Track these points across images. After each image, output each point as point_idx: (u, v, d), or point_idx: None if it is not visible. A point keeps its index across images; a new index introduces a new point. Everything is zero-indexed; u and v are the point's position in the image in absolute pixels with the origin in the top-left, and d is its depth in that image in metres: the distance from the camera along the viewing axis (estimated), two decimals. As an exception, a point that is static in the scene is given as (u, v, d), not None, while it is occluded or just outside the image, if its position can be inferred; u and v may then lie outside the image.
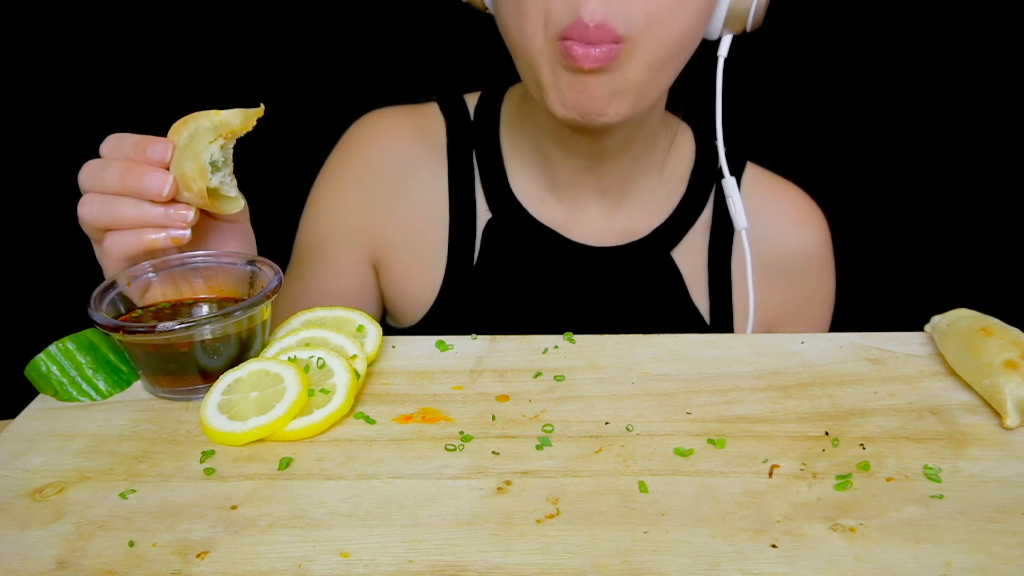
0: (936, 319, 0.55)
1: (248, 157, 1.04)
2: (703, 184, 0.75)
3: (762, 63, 0.94)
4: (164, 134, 0.51)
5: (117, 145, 0.52)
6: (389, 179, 0.75)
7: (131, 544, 0.38)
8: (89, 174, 0.51)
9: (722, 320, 0.74)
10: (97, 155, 0.52)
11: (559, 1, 0.56)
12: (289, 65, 1.00)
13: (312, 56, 1.01)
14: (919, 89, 1.00)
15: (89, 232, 0.53)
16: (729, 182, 0.70)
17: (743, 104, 0.79)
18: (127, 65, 0.99)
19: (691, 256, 0.74)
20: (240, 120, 0.50)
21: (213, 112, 0.51)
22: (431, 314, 0.75)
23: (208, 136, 0.50)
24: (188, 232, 0.51)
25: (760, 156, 0.79)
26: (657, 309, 0.74)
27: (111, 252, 0.52)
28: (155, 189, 0.50)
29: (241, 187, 0.53)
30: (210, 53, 0.99)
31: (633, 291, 0.73)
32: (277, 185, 1.02)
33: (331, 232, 0.76)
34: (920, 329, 0.56)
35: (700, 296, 0.74)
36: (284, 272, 0.78)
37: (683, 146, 0.75)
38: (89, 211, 0.51)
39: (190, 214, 0.51)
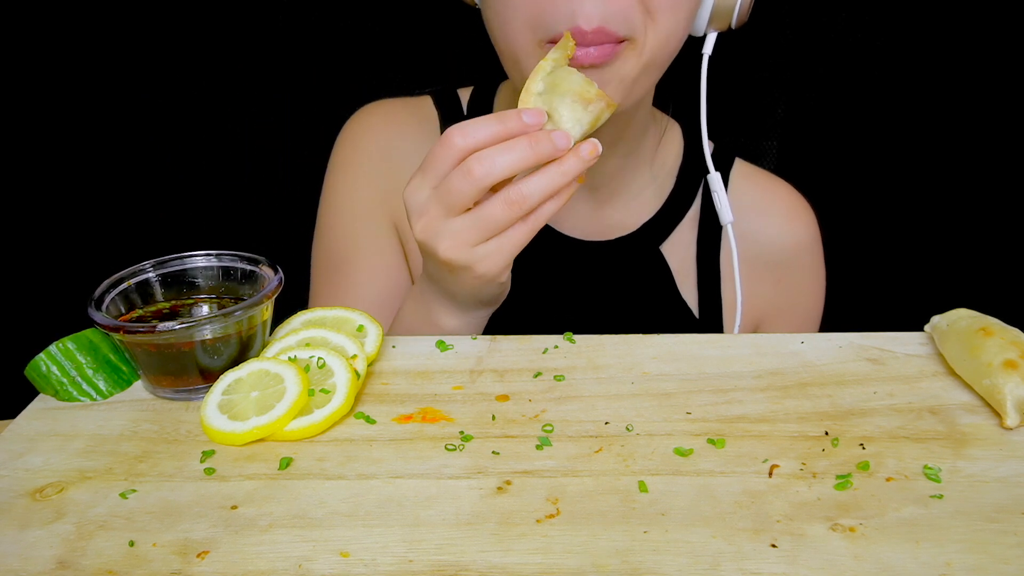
0: (936, 319, 0.55)
1: (243, 156, 1.04)
2: (691, 179, 0.75)
3: (756, 57, 0.94)
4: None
5: (471, 132, 0.50)
6: (395, 165, 0.75)
7: (131, 544, 0.38)
8: (486, 168, 0.49)
9: (711, 314, 0.75)
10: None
11: (550, 12, 0.55)
12: (281, 62, 1.00)
13: (302, 53, 1.00)
14: (919, 88, 1.00)
15: (477, 240, 0.51)
16: (714, 177, 0.71)
17: (735, 99, 0.79)
18: (127, 65, 0.99)
19: (680, 250, 0.74)
20: (562, 52, 0.53)
21: (538, 68, 0.52)
22: None
23: (560, 68, 0.53)
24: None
25: (757, 154, 0.79)
26: (646, 303, 0.74)
27: (534, 229, 0.51)
28: (564, 143, 0.50)
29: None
30: (202, 53, 0.99)
31: (622, 285, 0.74)
32: (275, 184, 1.02)
33: (362, 225, 0.75)
34: (920, 329, 0.56)
35: (689, 290, 0.75)
36: (311, 282, 0.78)
37: (671, 141, 0.76)
38: (520, 195, 0.49)
39: (600, 146, 0.52)
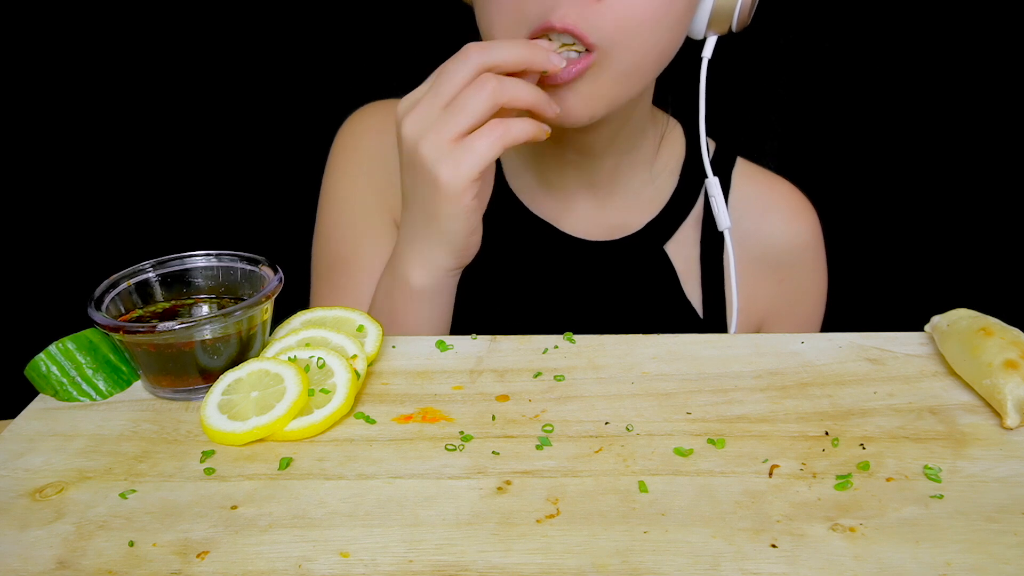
0: (936, 319, 0.55)
1: (243, 156, 1.04)
2: (694, 178, 0.75)
3: (757, 56, 0.94)
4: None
5: (474, 49, 0.54)
6: (392, 165, 0.74)
7: (131, 544, 0.38)
8: (480, 50, 0.53)
9: (715, 313, 0.74)
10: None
11: (531, 4, 0.56)
12: (281, 63, 1.00)
13: (303, 53, 1.01)
14: (920, 88, 1.00)
15: (462, 125, 0.53)
16: (712, 182, 0.71)
17: (736, 99, 0.78)
18: (127, 65, 0.99)
19: (684, 250, 0.74)
20: None
21: None
22: None
23: None
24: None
25: (756, 153, 0.79)
26: (650, 303, 0.74)
27: (504, 138, 0.53)
28: (559, 61, 0.54)
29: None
30: (202, 53, 0.99)
31: (627, 285, 0.74)
32: (275, 184, 1.02)
33: (363, 226, 0.75)
34: (920, 329, 0.56)
35: (693, 290, 0.74)
36: (312, 283, 0.78)
37: (673, 140, 0.76)
38: (494, 77, 0.52)
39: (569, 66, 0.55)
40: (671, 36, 0.60)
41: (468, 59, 0.53)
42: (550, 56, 0.53)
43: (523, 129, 0.53)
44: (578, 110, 0.59)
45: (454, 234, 0.56)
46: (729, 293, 0.75)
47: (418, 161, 0.53)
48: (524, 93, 0.53)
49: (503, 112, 0.53)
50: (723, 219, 0.70)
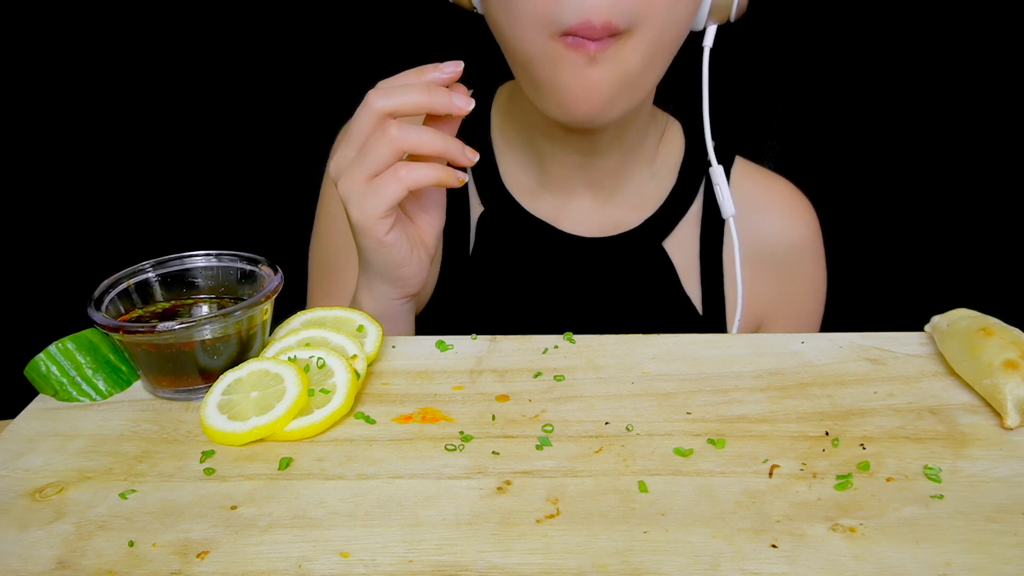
0: (936, 319, 0.55)
1: (243, 156, 1.04)
2: (693, 175, 0.75)
3: (756, 55, 0.94)
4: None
5: (395, 80, 0.55)
6: None
7: (131, 544, 0.38)
8: (381, 94, 0.53)
9: (714, 310, 0.75)
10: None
11: (564, 5, 0.55)
12: (281, 63, 1.00)
13: (303, 54, 1.01)
14: (920, 86, 1.00)
15: (375, 163, 0.54)
16: (716, 170, 0.71)
17: (736, 98, 0.78)
18: (127, 65, 0.99)
19: (683, 247, 0.74)
20: None
21: None
22: (433, 303, 0.75)
23: None
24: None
25: (757, 152, 0.79)
26: (650, 300, 0.74)
27: (406, 181, 0.54)
28: (463, 103, 0.54)
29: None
30: (202, 53, 0.99)
31: (626, 282, 0.74)
32: (275, 184, 1.02)
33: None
34: (920, 329, 0.56)
35: (692, 287, 0.75)
36: (308, 284, 0.78)
37: (672, 138, 0.76)
38: (397, 129, 0.53)
39: (476, 156, 0.56)
40: (686, 18, 0.60)
41: (369, 107, 0.54)
42: (452, 99, 0.54)
43: (426, 174, 0.54)
44: (603, 85, 0.58)
45: (381, 266, 0.58)
46: (728, 290, 0.75)
47: (341, 199, 0.56)
48: (428, 141, 0.54)
49: (420, 155, 0.55)
50: (727, 206, 0.70)
